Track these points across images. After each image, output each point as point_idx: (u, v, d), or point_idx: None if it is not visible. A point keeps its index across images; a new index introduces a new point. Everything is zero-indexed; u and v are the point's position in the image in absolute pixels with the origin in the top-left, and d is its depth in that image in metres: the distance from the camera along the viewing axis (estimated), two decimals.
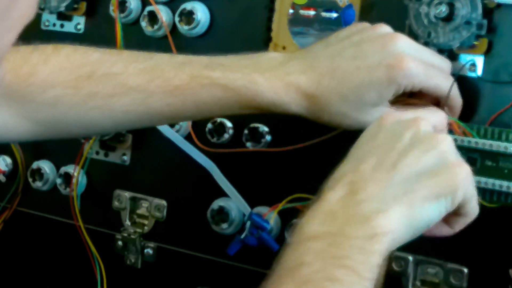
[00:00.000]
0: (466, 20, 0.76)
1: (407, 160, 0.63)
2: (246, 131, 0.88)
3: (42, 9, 1.00)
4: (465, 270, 0.77)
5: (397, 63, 0.70)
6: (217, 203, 0.89)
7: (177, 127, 0.91)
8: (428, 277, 0.79)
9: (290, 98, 0.73)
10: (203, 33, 0.92)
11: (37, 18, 1.02)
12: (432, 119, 0.69)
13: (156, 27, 0.93)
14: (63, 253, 1.02)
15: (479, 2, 0.76)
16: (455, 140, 0.71)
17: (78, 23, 1.00)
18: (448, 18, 0.76)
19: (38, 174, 1.01)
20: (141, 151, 0.97)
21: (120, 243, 0.96)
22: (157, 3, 0.94)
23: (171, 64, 0.76)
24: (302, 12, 0.87)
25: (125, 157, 0.98)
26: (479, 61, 0.77)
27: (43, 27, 1.02)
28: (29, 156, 1.03)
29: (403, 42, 0.72)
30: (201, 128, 0.91)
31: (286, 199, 0.81)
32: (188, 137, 0.91)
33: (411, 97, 0.75)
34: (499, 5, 0.76)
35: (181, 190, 0.94)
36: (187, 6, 0.91)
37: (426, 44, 0.77)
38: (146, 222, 0.96)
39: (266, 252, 0.81)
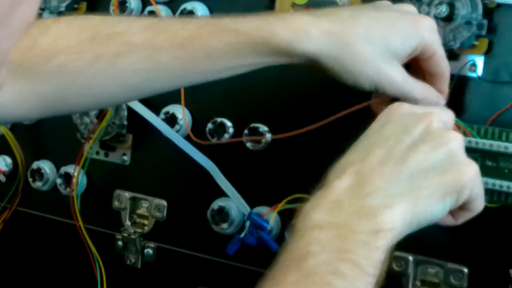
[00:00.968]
0: (466, 20, 0.76)
1: (416, 155, 0.62)
2: (246, 131, 0.88)
3: (42, 9, 1.00)
4: (465, 270, 0.77)
5: (422, 18, 0.71)
6: (217, 203, 0.89)
7: (177, 127, 0.91)
8: (428, 277, 0.79)
9: (310, 35, 0.69)
10: None
11: (38, 18, 1.01)
12: (443, 116, 0.68)
13: None
14: (63, 253, 1.02)
15: (480, 2, 0.76)
16: None
17: None
18: (449, 18, 0.76)
19: (38, 174, 1.01)
20: (141, 151, 0.97)
21: (120, 243, 0.96)
22: (157, 3, 0.94)
23: (176, 19, 0.74)
24: None
25: (125, 157, 0.98)
26: (479, 61, 0.77)
27: None
28: (29, 156, 1.03)
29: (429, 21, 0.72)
30: (201, 128, 0.91)
31: (286, 199, 0.81)
32: (188, 137, 0.91)
33: None
34: (499, 5, 0.76)
35: (181, 190, 0.94)
36: (188, 6, 0.92)
37: None
38: (146, 222, 0.96)
39: (266, 252, 0.81)
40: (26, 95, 0.74)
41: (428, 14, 0.77)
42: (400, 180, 0.61)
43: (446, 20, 0.76)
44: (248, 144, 0.88)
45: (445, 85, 0.75)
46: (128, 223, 0.97)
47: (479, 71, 0.77)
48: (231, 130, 0.89)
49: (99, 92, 0.75)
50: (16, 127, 1.03)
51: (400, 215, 0.59)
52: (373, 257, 0.58)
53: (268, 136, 0.87)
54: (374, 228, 0.59)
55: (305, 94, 0.86)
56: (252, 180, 0.89)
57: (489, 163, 0.72)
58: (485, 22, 0.76)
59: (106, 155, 0.99)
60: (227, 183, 0.88)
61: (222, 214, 0.89)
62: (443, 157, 0.63)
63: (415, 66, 0.74)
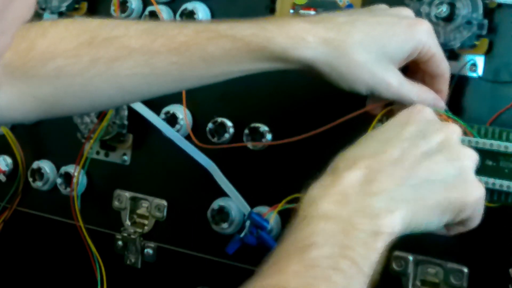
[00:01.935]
0: (467, 20, 0.76)
1: (429, 164, 0.62)
2: (246, 131, 0.88)
3: (43, 9, 1.00)
4: (465, 270, 0.77)
5: (419, 21, 0.72)
6: (217, 203, 0.89)
7: (177, 126, 0.91)
8: (428, 277, 0.79)
9: (305, 42, 0.70)
10: None
11: (38, 18, 1.02)
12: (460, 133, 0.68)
13: None
14: (63, 253, 1.02)
15: (480, 2, 0.76)
16: None
17: None
18: (449, 18, 0.76)
19: (38, 174, 1.01)
20: (141, 151, 0.97)
21: (120, 243, 0.96)
22: (158, 3, 0.94)
23: (174, 23, 0.74)
24: (302, 12, 0.87)
25: (125, 157, 0.98)
26: (480, 61, 0.77)
27: None
28: (29, 156, 1.03)
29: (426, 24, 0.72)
30: (202, 128, 0.91)
31: (286, 199, 0.81)
32: (188, 137, 0.91)
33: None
34: (500, 5, 0.76)
35: (181, 190, 0.94)
36: (188, 6, 0.92)
37: None
38: (146, 222, 0.96)
39: (266, 252, 0.81)
40: (23, 98, 0.74)
41: (428, 14, 0.77)
42: (408, 185, 0.61)
43: (446, 20, 0.76)
44: (249, 144, 0.88)
45: (445, 86, 0.75)
46: (128, 223, 0.97)
47: (480, 71, 0.77)
48: (231, 130, 0.89)
49: (96, 95, 0.75)
50: (16, 127, 1.03)
51: (400, 220, 0.60)
52: (370, 258, 0.58)
53: (269, 136, 0.87)
54: (375, 230, 0.59)
55: (305, 93, 0.86)
56: (252, 180, 0.89)
57: (489, 163, 0.72)
58: (486, 22, 0.76)
59: (106, 155, 0.99)
60: (227, 183, 0.88)
61: (222, 214, 0.89)
62: (454, 173, 0.63)
63: (414, 68, 0.75)
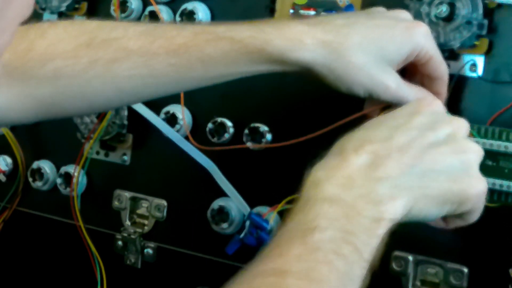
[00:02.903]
0: (466, 20, 0.76)
1: (435, 154, 0.63)
2: (246, 131, 0.88)
3: (43, 9, 1.00)
4: (465, 270, 0.77)
5: (416, 24, 0.72)
6: (217, 203, 0.89)
7: (177, 126, 0.91)
8: (428, 277, 0.79)
9: (303, 44, 0.70)
10: None
11: (38, 18, 1.02)
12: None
13: None
14: (63, 253, 1.02)
15: (480, 2, 0.76)
16: None
17: None
18: (449, 18, 0.76)
19: (38, 174, 1.01)
20: (141, 151, 0.97)
21: (120, 243, 0.96)
22: (158, 3, 0.94)
23: (172, 24, 0.74)
24: (302, 12, 0.87)
25: (125, 157, 0.98)
26: (480, 61, 0.77)
27: None
28: (29, 156, 1.03)
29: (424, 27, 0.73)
30: (202, 128, 0.91)
31: (286, 199, 0.81)
32: (188, 137, 0.91)
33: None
34: (499, 5, 0.76)
35: (181, 190, 0.94)
36: (188, 6, 0.92)
37: None
38: (146, 222, 0.96)
39: None
40: (22, 98, 0.74)
41: (428, 14, 0.77)
42: (412, 173, 0.61)
43: (446, 20, 0.76)
44: (248, 144, 0.88)
45: (443, 88, 0.75)
46: (128, 223, 0.97)
47: (479, 71, 0.77)
48: (231, 130, 0.89)
49: (94, 96, 0.75)
50: (16, 127, 1.03)
51: (401, 208, 0.60)
52: (371, 244, 0.58)
53: (269, 136, 0.87)
54: (377, 216, 0.59)
55: (305, 93, 0.86)
56: (252, 180, 0.89)
57: (489, 162, 0.72)
58: (486, 22, 0.76)
59: (106, 155, 0.99)
60: (227, 183, 0.88)
61: (222, 214, 0.89)
62: (459, 165, 0.63)
63: (413, 70, 0.75)
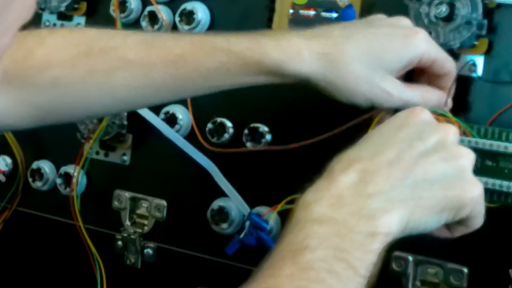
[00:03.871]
0: (466, 20, 0.76)
1: (425, 164, 0.62)
2: (246, 131, 0.88)
3: (42, 9, 1.00)
4: (465, 270, 0.77)
5: (415, 31, 0.72)
6: (217, 203, 0.89)
7: (177, 127, 0.91)
8: (428, 277, 0.79)
9: (301, 57, 0.70)
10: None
11: (38, 18, 1.02)
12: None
13: (156, 27, 0.93)
14: (63, 253, 1.02)
15: (480, 2, 0.76)
16: None
17: (78, 23, 1.00)
18: (449, 18, 0.76)
19: (38, 174, 1.01)
20: (141, 151, 0.97)
21: (120, 243, 0.96)
22: (157, 3, 0.94)
23: (170, 35, 0.75)
24: (302, 12, 0.87)
25: (125, 157, 0.98)
26: (480, 61, 0.77)
27: (43, 27, 1.02)
28: (29, 156, 1.03)
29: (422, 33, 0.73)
30: (201, 128, 0.91)
31: (285, 199, 0.81)
32: (188, 137, 0.91)
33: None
34: (499, 5, 0.76)
35: (181, 190, 0.94)
36: (188, 6, 0.91)
37: None
38: (146, 222, 0.96)
39: (265, 253, 0.81)
40: (19, 105, 0.75)
41: (428, 14, 0.77)
42: (404, 186, 0.61)
43: (446, 20, 0.76)
44: (248, 144, 0.88)
45: (450, 83, 0.75)
46: (128, 223, 0.97)
47: (479, 71, 0.77)
48: (231, 130, 0.89)
49: (91, 105, 0.76)
50: None
51: (397, 221, 0.60)
52: (367, 260, 0.58)
53: (268, 137, 0.87)
54: (371, 231, 0.59)
55: (304, 93, 0.86)
56: (251, 181, 0.89)
57: (489, 163, 0.72)
58: (485, 22, 0.76)
59: (106, 155, 0.99)
60: (227, 183, 0.88)
61: (222, 214, 0.89)
62: (451, 172, 0.63)
63: (419, 69, 0.75)
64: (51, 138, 1.02)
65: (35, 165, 1.02)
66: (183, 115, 0.92)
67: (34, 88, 0.74)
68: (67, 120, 0.81)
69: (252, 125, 0.88)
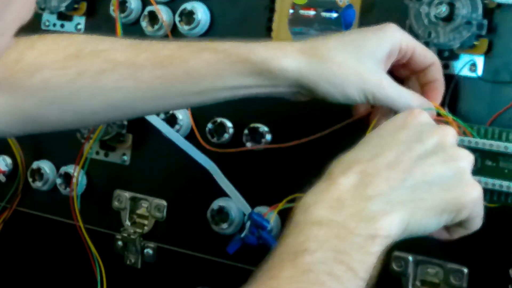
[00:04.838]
0: (466, 20, 0.76)
1: (424, 166, 0.62)
2: (246, 131, 0.88)
3: (42, 9, 1.00)
4: (465, 270, 0.77)
5: (385, 24, 0.74)
6: (217, 203, 0.89)
7: (177, 126, 0.91)
8: (428, 277, 0.79)
9: (285, 52, 0.72)
10: (203, 33, 0.92)
11: (38, 18, 1.02)
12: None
13: (156, 27, 0.93)
14: (63, 253, 1.02)
15: (480, 2, 0.76)
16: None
17: (78, 23, 1.01)
18: (449, 18, 0.76)
19: (38, 174, 1.01)
20: (141, 151, 0.97)
21: (120, 243, 0.96)
22: (157, 3, 0.94)
23: (158, 40, 0.76)
24: (302, 12, 0.87)
25: (125, 157, 0.98)
26: (479, 61, 0.77)
27: (43, 27, 1.02)
28: (29, 156, 1.03)
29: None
30: (201, 128, 0.91)
31: (286, 198, 0.81)
32: (188, 137, 0.91)
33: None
34: (499, 5, 0.76)
35: (181, 190, 0.94)
36: (188, 6, 0.92)
37: (426, 44, 0.77)
38: (146, 222, 0.96)
39: (266, 252, 0.81)
40: (9, 110, 0.75)
41: (428, 14, 0.77)
42: (404, 188, 0.61)
43: (446, 20, 0.76)
44: (248, 144, 0.88)
45: (439, 74, 0.76)
46: (128, 223, 0.97)
47: (479, 71, 0.77)
48: (231, 130, 0.89)
49: (80, 109, 0.76)
50: None
51: (397, 223, 0.60)
52: (366, 262, 0.58)
53: (268, 137, 0.87)
54: (371, 233, 0.59)
55: None
56: (251, 181, 0.89)
57: (489, 163, 0.72)
58: (485, 22, 0.76)
59: (106, 155, 0.99)
60: (228, 183, 0.88)
61: (222, 214, 0.89)
62: (450, 173, 0.63)
63: (406, 73, 0.76)
64: (51, 138, 1.02)
65: (35, 165, 1.02)
66: (183, 115, 0.92)
67: (23, 92, 0.75)
68: (55, 127, 0.82)
69: (252, 125, 0.88)
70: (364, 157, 0.63)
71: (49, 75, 0.74)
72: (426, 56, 0.75)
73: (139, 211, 0.97)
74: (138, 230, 0.96)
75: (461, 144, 0.70)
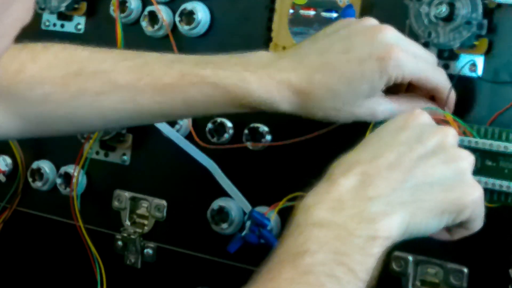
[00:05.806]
0: (466, 20, 0.76)
1: (425, 167, 0.62)
2: (246, 131, 0.88)
3: (42, 9, 1.00)
4: (465, 270, 0.77)
5: (387, 54, 0.70)
6: (217, 203, 0.89)
7: (177, 126, 0.91)
8: (428, 277, 0.79)
9: (281, 96, 0.72)
10: (203, 33, 0.92)
11: (38, 18, 1.02)
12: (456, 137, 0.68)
13: (156, 27, 0.93)
14: (63, 253, 1.02)
15: (480, 2, 0.75)
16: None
17: (78, 23, 1.01)
18: (449, 18, 0.76)
19: (38, 174, 1.01)
20: (141, 151, 0.97)
21: (120, 243, 0.96)
22: (157, 3, 0.94)
23: (161, 62, 0.76)
24: (302, 12, 0.87)
25: (125, 157, 0.98)
26: (479, 61, 0.77)
27: (43, 27, 1.02)
28: (29, 156, 1.03)
29: (391, 33, 0.71)
30: (202, 128, 0.91)
31: (287, 197, 0.81)
32: (188, 137, 0.91)
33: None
34: (499, 5, 0.76)
35: (181, 190, 0.94)
36: (188, 6, 0.92)
37: (426, 44, 0.77)
38: (146, 222, 0.96)
39: (266, 252, 0.81)
40: (8, 116, 0.77)
41: (428, 14, 0.77)
42: (404, 189, 0.61)
43: (446, 20, 0.76)
44: (248, 144, 0.88)
45: (444, 94, 0.74)
46: (128, 223, 0.97)
47: (479, 71, 0.77)
48: (231, 130, 0.89)
49: (79, 122, 0.78)
50: None
51: (397, 224, 0.60)
52: (367, 263, 0.58)
53: (268, 137, 0.87)
54: (372, 235, 0.59)
55: None
56: (251, 180, 0.89)
57: (489, 163, 0.72)
58: (485, 22, 0.76)
59: (106, 155, 0.99)
60: (228, 182, 0.88)
61: (222, 214, 0.89)
62: (451, 174, 0.63)
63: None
64: (51, 138, 1.02)
65: (35, 165, 1.02)
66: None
67: (24, 102, 0.76)
68: (56, 134, 0.84)
69: (252, 125, 0.88)
70: (365, 158, 0.63)
71: (49, 91, 0.76)
72: (428, 82, 0.73)
73: (139, 211, 0.97)
74: (138, 230, 0.96)
75: (461, 144, 0.70)
